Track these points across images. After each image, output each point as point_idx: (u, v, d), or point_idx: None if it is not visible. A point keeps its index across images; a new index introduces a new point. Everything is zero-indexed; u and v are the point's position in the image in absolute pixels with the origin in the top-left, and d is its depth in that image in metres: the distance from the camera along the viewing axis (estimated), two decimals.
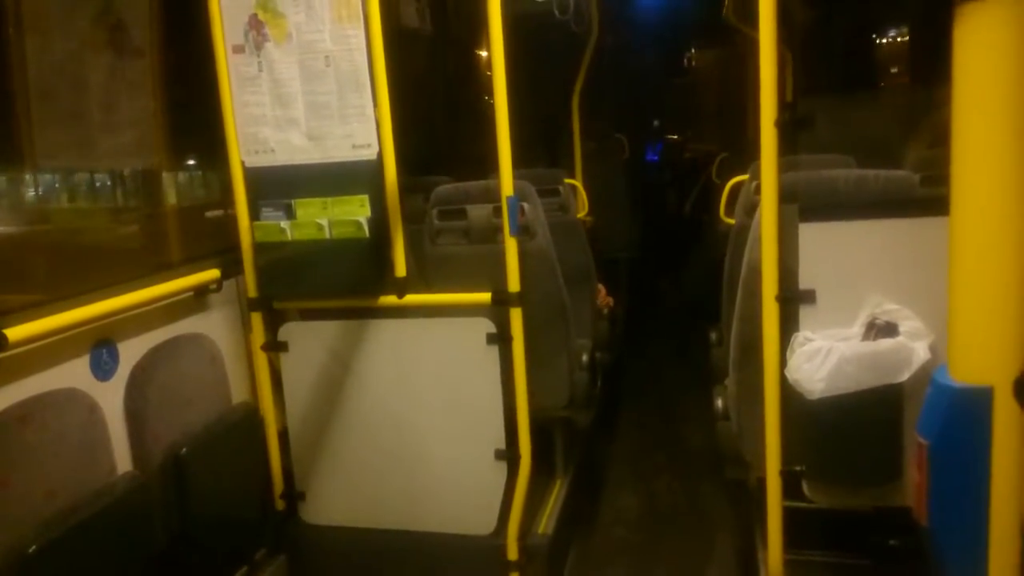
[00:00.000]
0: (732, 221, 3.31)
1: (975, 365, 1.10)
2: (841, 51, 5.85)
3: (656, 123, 8.16)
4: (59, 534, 1.87)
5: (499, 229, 2.56)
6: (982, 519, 1.11)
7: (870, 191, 2.27)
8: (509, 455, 2.61)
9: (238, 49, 2.54)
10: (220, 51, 2.54)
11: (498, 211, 2.60)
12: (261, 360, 2.77)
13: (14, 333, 1.86)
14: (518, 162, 2.45)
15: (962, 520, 1.14)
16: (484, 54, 5.86)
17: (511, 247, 2.47)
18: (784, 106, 1.97)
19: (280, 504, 2.84)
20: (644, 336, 5.96)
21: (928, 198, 2.09)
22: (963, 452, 1.11)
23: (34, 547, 1.80)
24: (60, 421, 2.03)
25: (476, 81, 5.93)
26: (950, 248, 1.09)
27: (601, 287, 4.23)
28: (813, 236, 2.03)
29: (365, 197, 2.52)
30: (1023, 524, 1.12)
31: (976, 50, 1.05)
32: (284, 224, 2.58)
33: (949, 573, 1.22)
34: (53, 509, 1.94)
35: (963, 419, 1.11)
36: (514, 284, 2.48)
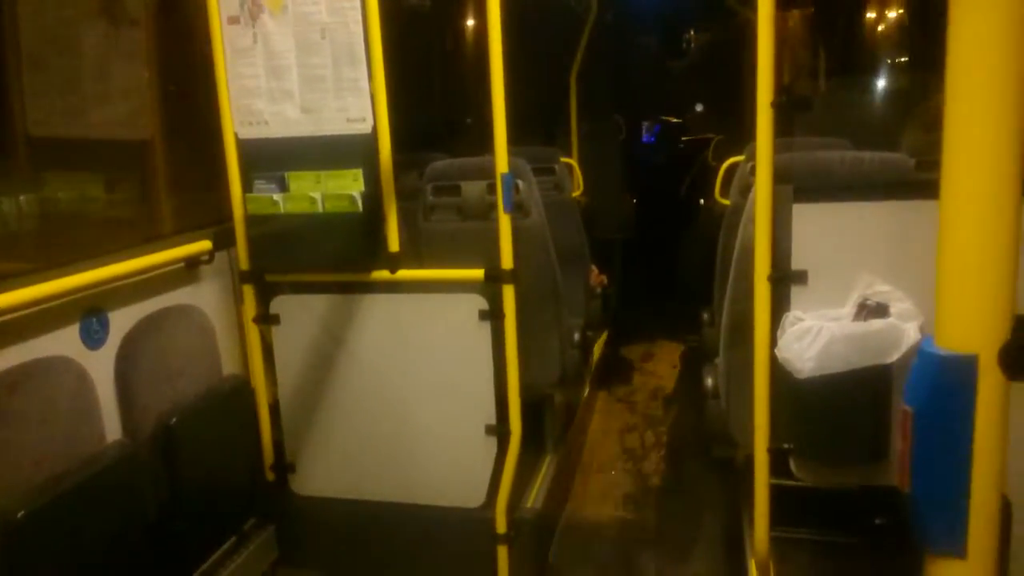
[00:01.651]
0: (727, 202, 3.31)
1: (961, 333, 1.11)
2: (840, 33, 5.83)
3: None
4: (48, 500, 1.87)
5: (493, 206, 2.55)
6: (963, 485, 1.13)
7: (865, 173, 2.27)
8: (499, 430, 2.62)
9: (233, 20, 2.52)
10: (215, 22, 2.52)
11: (492, 188, 2.59)
12: (253, 332, 2.77)
13: (3, 300, 1.86)
14: (514, 140, 2.44)
15: (944, 486, 1.16)
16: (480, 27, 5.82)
17: (505, 224, 2.46)
18: (781, 87, 1.97)
19: (270, 475, 2.85)
20: (637, 315, 5.98)
21: (922, 181, 2.10)
22: (947, 419, 1.13)
23: (23, 512, 1.80)
24: (50, 389, 2.03)
25: (473, 58, 5.89)
26: (940, 216, 1.10)
27: (594, 267, 4.23)
28: (807, 217, 2.03)
29: (359, 171, 2.51)
30: (1003, 490, 1.14)
31: (969, 35, 1.05)
32: (277, 197, 2.57)
33: (930, 538, 1.24)
34: (42, 476, 1.95)
35: (948, 387, 1.12)
36: (507, 261, 2.48)
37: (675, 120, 8.08)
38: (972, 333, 1.09)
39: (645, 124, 7.94)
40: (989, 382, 1.09)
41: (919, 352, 1.17)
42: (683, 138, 7.81)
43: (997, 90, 1.05)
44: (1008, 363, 1.08)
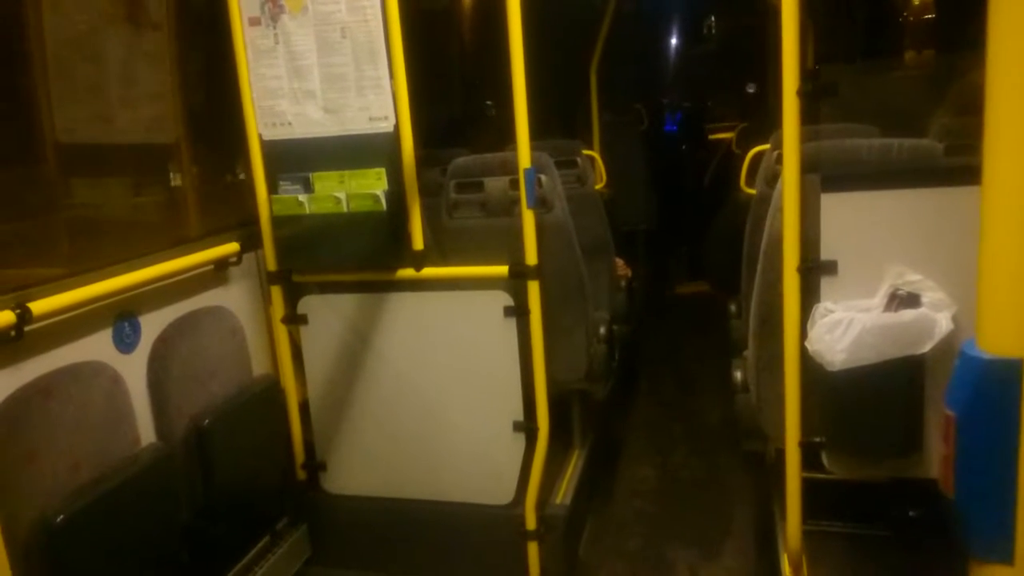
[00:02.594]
0: (753, 191, 3.27)
1: (1005, 337, 1.08)
2: (865, 18, 5.73)
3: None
4: (86, 503, 1.91)
5: (516, 201, 2.55)
6: (1010, 491, 1.11)
7: (893, 160, 2.23)
8: (527, 427, 2.62)
9: (254, 21, 2.53)
10: (236, 23, 2.54)
11: (515, 183, 2.59)
12: (281, 333, 2.80)
13: (38, 307, 1.89)
14: (535, 133, 2.43)
15: (990, 492, 1.14)
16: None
17: (528, 220, 2.45)
18: (806, 75, 1.93)
19: (301, 474, 2.88)
20: (662, 308, 5.95)
21: (952, 167, 2.06)
22: (992, 424, 1.11)
23: (61, 516, 1.84)
24: (84, 393, 2.06)
25: (493, 50, 5.88)
26: (981, 218, 1.07)
27: (619, 260, 4.21)
28: (835, 206, 2.00)
29: (382, 170, 2.52)
30: None
31: (1013, 17, 1.01)
32: (302, 197, 2.59)
33: (975, 545, 1.21)
34: (78, 480, 1.98)
35: (992, 391, 1.10)
36: (531, 257, 2.48)
37: (698, 107, 7.99)
38: (1016, 337, 1.06)
39: (667, 113, 7.88)
40: None
41: (961, 355, 1.15)
42: (707, 126, 7.74)
43: None
44: None
